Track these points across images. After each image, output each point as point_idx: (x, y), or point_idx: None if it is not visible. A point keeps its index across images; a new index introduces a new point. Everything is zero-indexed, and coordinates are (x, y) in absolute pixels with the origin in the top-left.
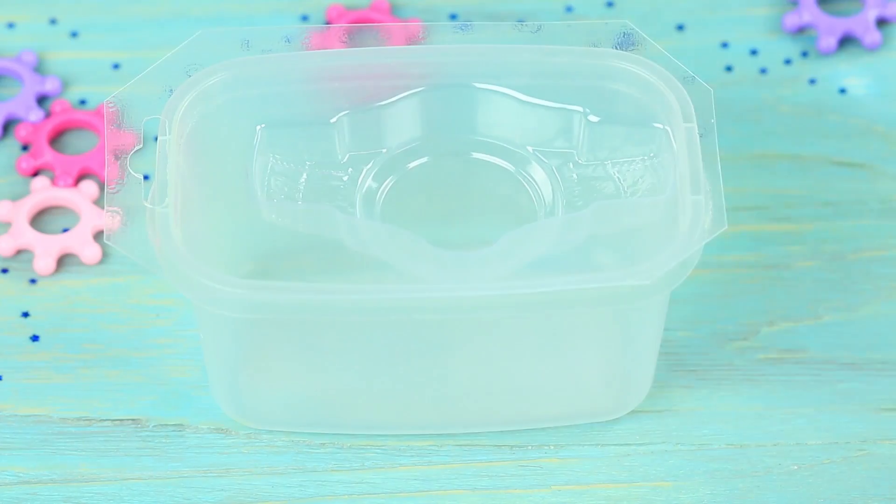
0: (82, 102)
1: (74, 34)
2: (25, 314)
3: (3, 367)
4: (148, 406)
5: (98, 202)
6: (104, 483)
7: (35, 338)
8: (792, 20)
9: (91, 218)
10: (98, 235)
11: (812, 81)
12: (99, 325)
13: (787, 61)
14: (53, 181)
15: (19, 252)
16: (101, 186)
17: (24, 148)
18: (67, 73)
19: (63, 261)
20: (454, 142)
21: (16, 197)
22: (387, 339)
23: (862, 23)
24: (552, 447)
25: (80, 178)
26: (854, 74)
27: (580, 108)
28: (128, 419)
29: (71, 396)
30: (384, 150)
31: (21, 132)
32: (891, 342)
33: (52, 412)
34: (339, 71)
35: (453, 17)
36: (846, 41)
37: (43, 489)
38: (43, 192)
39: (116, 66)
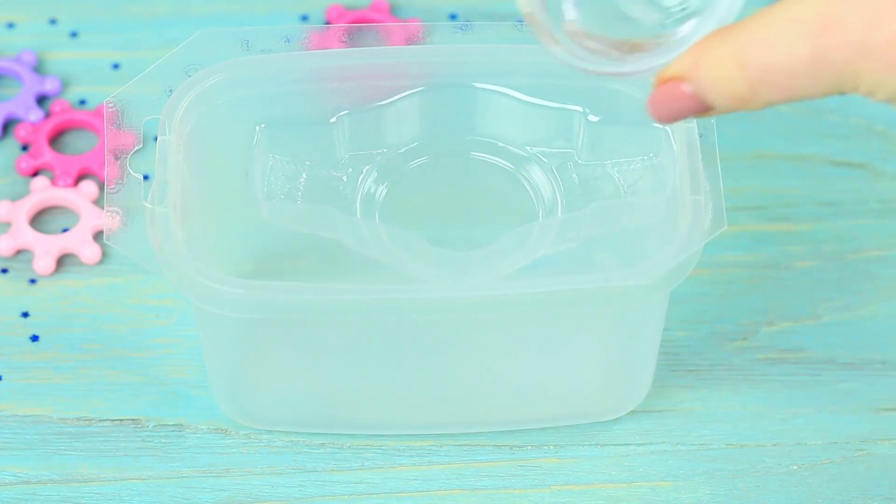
0: (82, 102)
1: (74, 34)
2: (25, 314)
3: (3, 367)
4: (147, 406)
5: (98, 202)
6: (104, 483)
7: (35, 338)
8: None
9: (91, 218)
10: (98, 235)
11: None
12: (98, 325)
13: None
14: (53, 181)
15: (19, 252)
16: (101, 186)
17: (24, 148)
18: (67, 73)
19: (63, 261)
20: (454, 142)
21: (15, 197)
22: (387, 339)
23: None
24: (552, 447)
25: (79, 178)
26: None
27: (580, 108)
28: (127, 419)
29: (70, 396)
30: (384, 150)
31: (21, 132)
32: (890, 342)
33: (52, 412)
34: (339, 71)
35: (453, 17)
36: None
37: (42, 489)
38: (43, 192)
39: (116, 66)
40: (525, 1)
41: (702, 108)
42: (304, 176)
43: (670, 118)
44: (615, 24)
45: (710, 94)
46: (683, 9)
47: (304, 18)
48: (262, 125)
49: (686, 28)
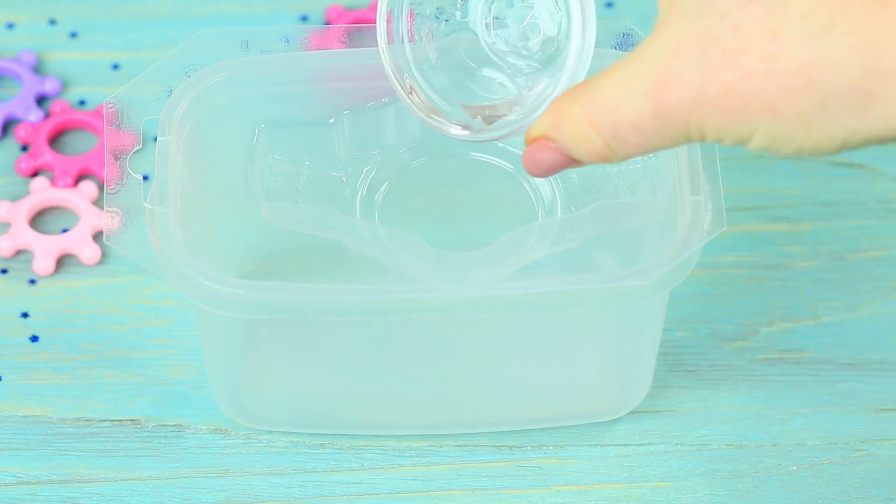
0: (81, 103)
1: (74, 34)
2: (25, 315)
3: (3, 367)
4: (147, 406)
5: (97, 203)
6: (103, 483)
7: (34, 338)
8: None
9: (90, 218)
10: (98, 236)
11: None
12: (98, 326)
13: None
14: (52, 181)
15: (18, 252)
16: (101, 187)
17: (24, 148)
18: (67, 74)
19: (62, 261)
20: (453, 142)
21: (15, 197)
22: (386, 340)
23: None
24: (551, 447)
25: (79, 179)
26: None
27: None
28: (127, 420)
29: (70, 397)
30: (384, 150)
31: (20, 132)
32: (890, 342)
33: (52, 412)
34: (339, 71)
35: None
36: None
37: (42, 489)
38: (42, 192)
39: (116, 67)
40: (390, 75)
41: (572, 162)
42: (304, 176)
43: (546, 173)
44: (469, 90)
45: (573, 151)
46: (528, 67)
47: (304, 19)
48: (262, 125)
49: (540, 87)
